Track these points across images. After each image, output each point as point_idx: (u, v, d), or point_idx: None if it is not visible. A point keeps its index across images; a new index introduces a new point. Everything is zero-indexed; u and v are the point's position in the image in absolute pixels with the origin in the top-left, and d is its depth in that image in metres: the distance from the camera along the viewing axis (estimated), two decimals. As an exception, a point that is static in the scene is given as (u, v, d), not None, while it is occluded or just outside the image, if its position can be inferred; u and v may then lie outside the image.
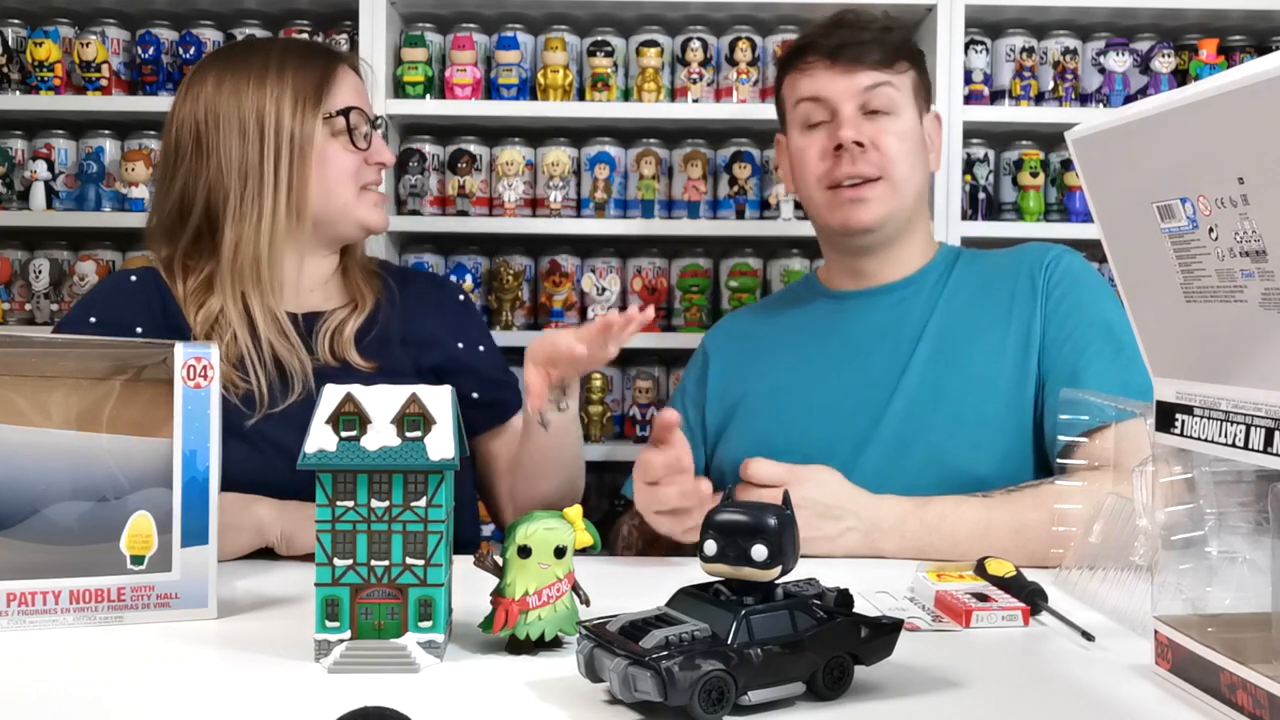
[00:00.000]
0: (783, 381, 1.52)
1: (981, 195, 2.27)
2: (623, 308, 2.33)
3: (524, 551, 0.84)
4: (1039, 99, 2.30)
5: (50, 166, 2.30)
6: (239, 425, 1.33)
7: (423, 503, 0.82)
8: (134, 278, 1.45)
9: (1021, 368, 1.39)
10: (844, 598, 0.81)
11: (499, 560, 0.86)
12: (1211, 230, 0.66)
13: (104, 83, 2.26)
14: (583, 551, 0.87)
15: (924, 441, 1.38)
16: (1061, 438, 1.27)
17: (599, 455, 2.26)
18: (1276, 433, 0.65)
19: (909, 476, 1.32)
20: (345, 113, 1.41)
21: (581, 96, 2.32)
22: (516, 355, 2.33)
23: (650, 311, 1.22)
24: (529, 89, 2.30)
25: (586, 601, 0.87)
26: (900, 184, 1.45)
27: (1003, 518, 1.21)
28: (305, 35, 2.34)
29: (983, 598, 0.97)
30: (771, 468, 1.20)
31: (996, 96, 2.31)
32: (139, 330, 1.38)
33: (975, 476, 1.33)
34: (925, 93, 1.53)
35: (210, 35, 2.34)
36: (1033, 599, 0.98)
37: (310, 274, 1.46)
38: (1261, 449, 0.66)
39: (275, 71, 1.39)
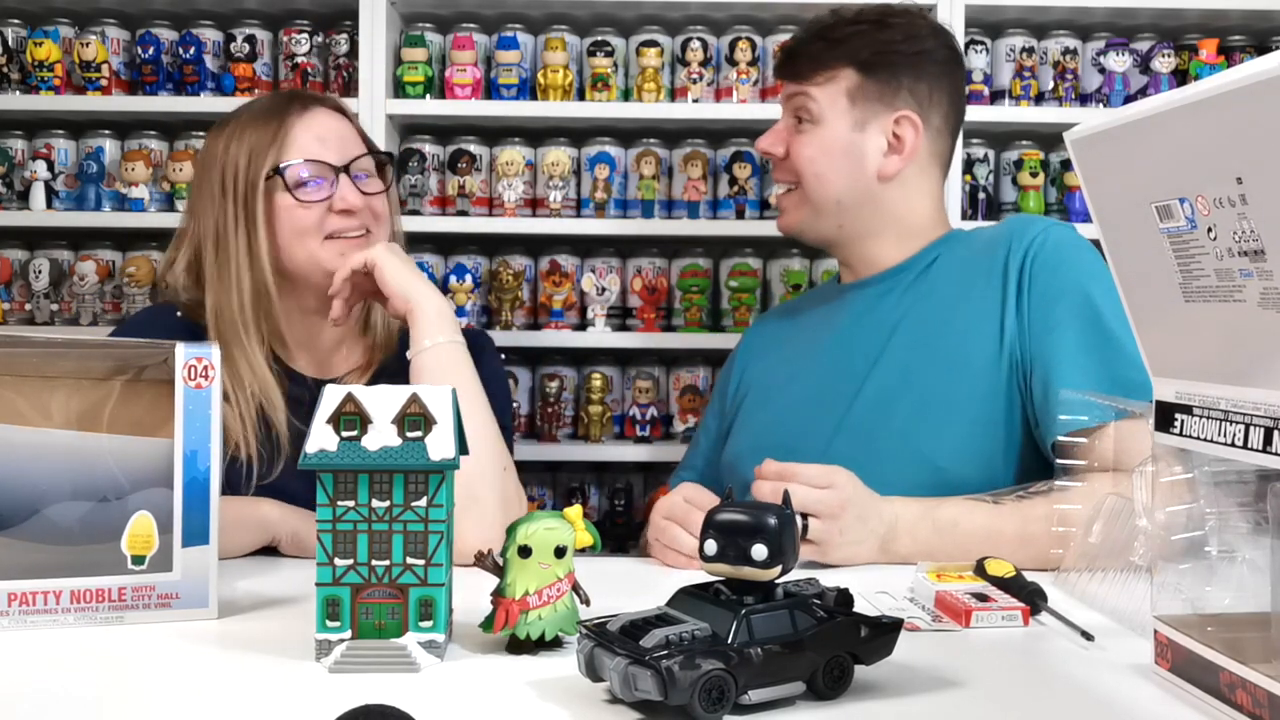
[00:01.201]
0: (779, 376, 1.53)
1: (981, 195, 2.27)
2: (623, 308, 2.35)
3: (524, 551, 0.84)
4: (1039, 99, 2.30)
5: (50, 166, 2.31)
6: (260, 478, 1.31)
7: (423, 502, 0.82)
8: (177, 312, 1.44)
9: (995, 348, 1.35)
10: (844, 597, 0.81)
11: (499, 560, 0.86)
12: (1210, 230, 0.66)
13: (104, 83, 2.26)
14: (583, 551, 0.87)
15: (890, 429, 1.36)
16: (1060, 438, 1.26)
17: (599, 455, 2.26)
18: (1276, 432, 0.65)
19: (878, 464, 1.28)
20: (282, 170, 1.32)
21: (581, 96, 2.32)
22: (517, 354, 2.37)
23: None
24: (529, 89, 2.30)
25: (586, 601, 0.87)
26: (811, 193, 1.46)
27: (1013, 525, 1.20)
28: (305, 35, 2.34)
29: (983, 598, 0.97)
30: (809, 468, 1.17)
31: (996, 96, 2.31)
32: None
33: (941, 465, 1.32)
34: (886, 96, 1.44)
35: (210, 35, 2.34)
36: (1033, 599, 0.98)
37: (329, 334, 1.41)
38: (1261, 448, 0.66)
39: (237, 127, 1.35)
